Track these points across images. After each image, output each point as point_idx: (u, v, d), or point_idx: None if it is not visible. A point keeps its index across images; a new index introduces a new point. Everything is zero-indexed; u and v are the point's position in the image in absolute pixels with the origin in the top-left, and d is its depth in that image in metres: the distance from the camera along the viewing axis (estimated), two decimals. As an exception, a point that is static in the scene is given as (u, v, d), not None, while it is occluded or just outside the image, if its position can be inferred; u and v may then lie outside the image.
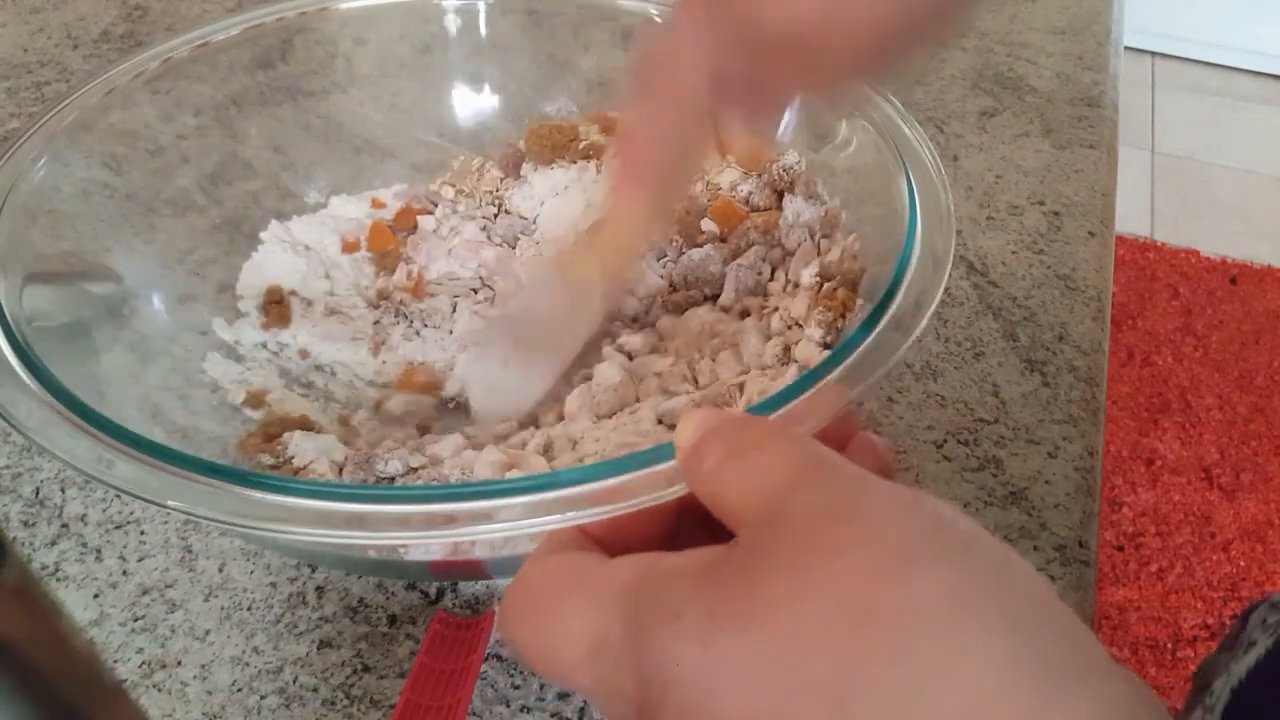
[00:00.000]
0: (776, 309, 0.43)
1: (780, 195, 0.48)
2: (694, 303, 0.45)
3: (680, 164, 0.36)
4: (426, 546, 0.33)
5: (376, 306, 0.48)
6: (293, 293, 0.48)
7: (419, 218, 0.52)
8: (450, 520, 0.27)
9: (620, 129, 0.35)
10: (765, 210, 0.48)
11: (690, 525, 0.26)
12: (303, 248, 0.50)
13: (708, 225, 0.48)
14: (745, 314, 0.44)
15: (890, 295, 0.33)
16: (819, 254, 0.44)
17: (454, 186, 0.54)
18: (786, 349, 0.40)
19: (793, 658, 0.18)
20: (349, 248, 0.50)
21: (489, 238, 0.51)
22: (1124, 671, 0.18)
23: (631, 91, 0.32)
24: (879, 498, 0.20)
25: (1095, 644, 0.19)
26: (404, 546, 0.33)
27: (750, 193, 0.49)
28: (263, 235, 0.49)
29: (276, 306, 0.47)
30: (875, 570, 0.18)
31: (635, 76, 0.32)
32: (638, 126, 0.33)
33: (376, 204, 0.53)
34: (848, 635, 0.18)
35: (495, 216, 0.52)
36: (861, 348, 0.32)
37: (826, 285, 0.42)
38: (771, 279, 0.45)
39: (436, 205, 0.53)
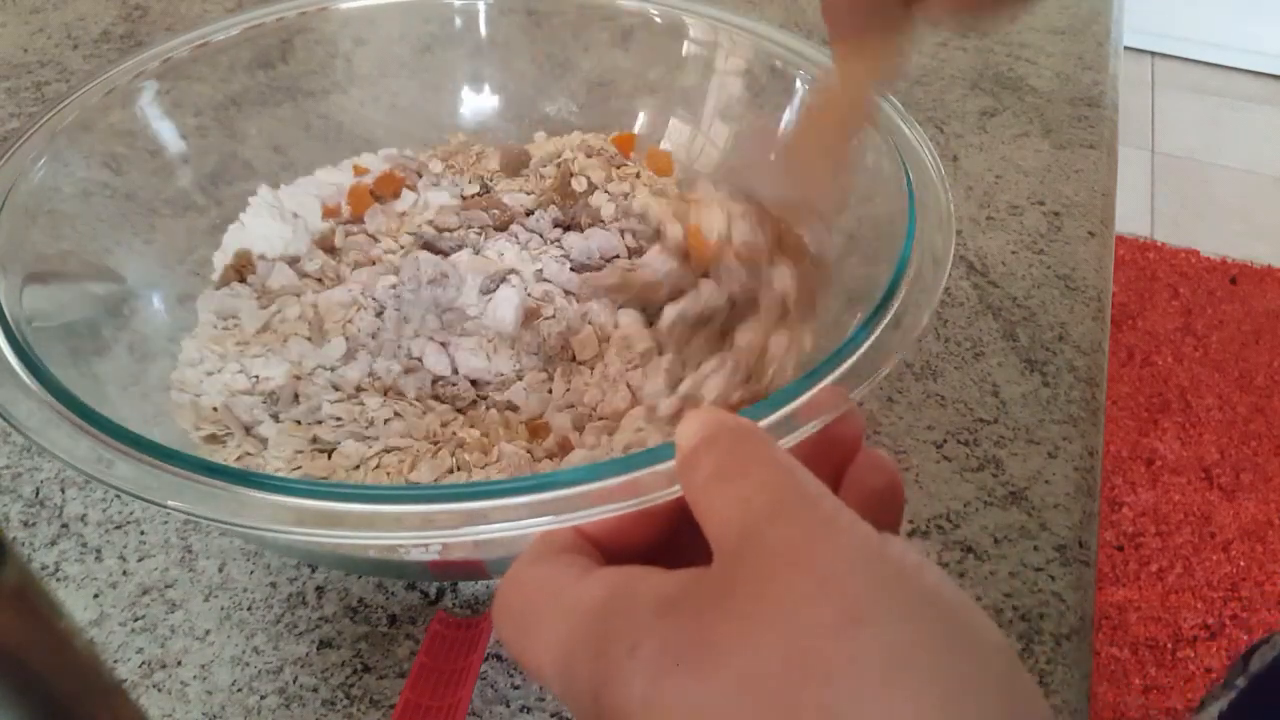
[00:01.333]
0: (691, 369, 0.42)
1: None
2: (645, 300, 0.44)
3: (886, 18, 0.33)
4: (427, 546, 0.33)
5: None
6: (261, 257, 0.48)
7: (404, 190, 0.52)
8: (450, 520, 0.27)
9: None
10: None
11: (689, 525, 0.26)
12: (290, 214, 0.50)
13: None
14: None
15: (890, 295, 0.33)
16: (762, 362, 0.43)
17: (444, 161, 0.53)
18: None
19: (731, 706, 0.18)
20: (329, 213, 0.50)
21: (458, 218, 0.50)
22: None
23: None
24: (842, 545, 0.20)
25: (1044, 710, 0.19)
26: (404, 547, 0.33)
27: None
28: (251, 200, 0.49)
29: (237, 272, 0.47)
30: (821, 626, 0.18)
31: None
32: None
33: (359, 171, 0.53)
34: (786, 688, 0.18)
35: (476, 195, 0.52)
36: (862, 348, 0.32)
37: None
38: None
39: (421, 175, 0.53)
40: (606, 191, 0.51)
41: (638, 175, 0.53)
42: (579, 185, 0.51)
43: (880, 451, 0.27)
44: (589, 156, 0.53)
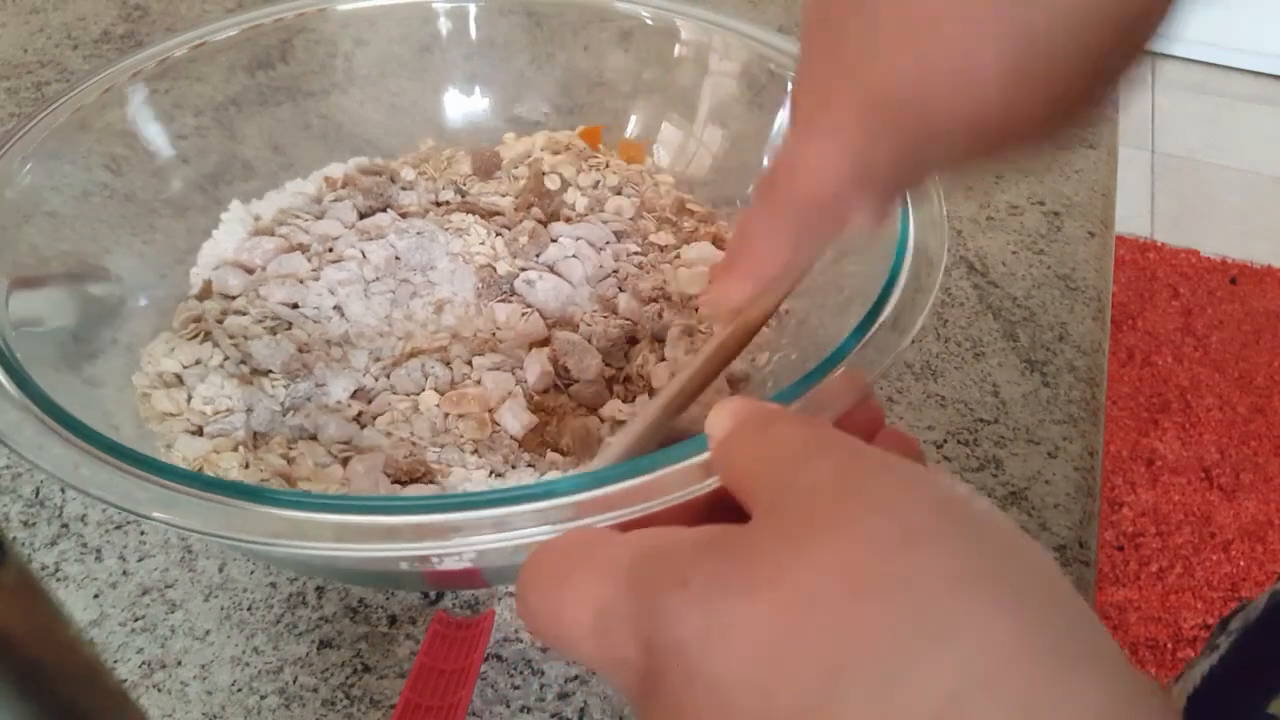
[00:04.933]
0: None
1: None
2: None
3: (790, 269, 0.32)
4: (428, 558, 0.32)
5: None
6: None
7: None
8: (452, 531, 0.27)
9: (738, 228, 0.31)
10: None
11: (719, 522, 0.26)
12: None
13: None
14: None
15: (885, 296, 0.34)
16: None
17: (416, 168, 0.53)
18: None
19: (791, 625, 0.18)
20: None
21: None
22: (1134, 669, 0.18)
23: (756, 194, 0.29)
24: (891, 474, 0.20)
25: (1105, 634, 0.18)
26: (401, 559, 0.33)
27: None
28: (223, 216, 0.49)
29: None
30: (880, 542, 0.18)
31: (763, 181, 0.29)
32: (755, 234, 0.30)
33: (330, 183, 0.52)
34: (847, 604, 0.18)
35: (453, 200, 0.52)
36: (857, 348, 0.32)
37: None
38: None
39: (394, 181, 0.52)
40: (578, 187, 0.52)
41: (606, 165, 0.53)
42: (552, 183, 0.51)
43: (898, 429, 0.27)
44: (555, 154, 0.53)
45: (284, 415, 0.41)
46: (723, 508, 0.24)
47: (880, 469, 0.20)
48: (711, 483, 0.26)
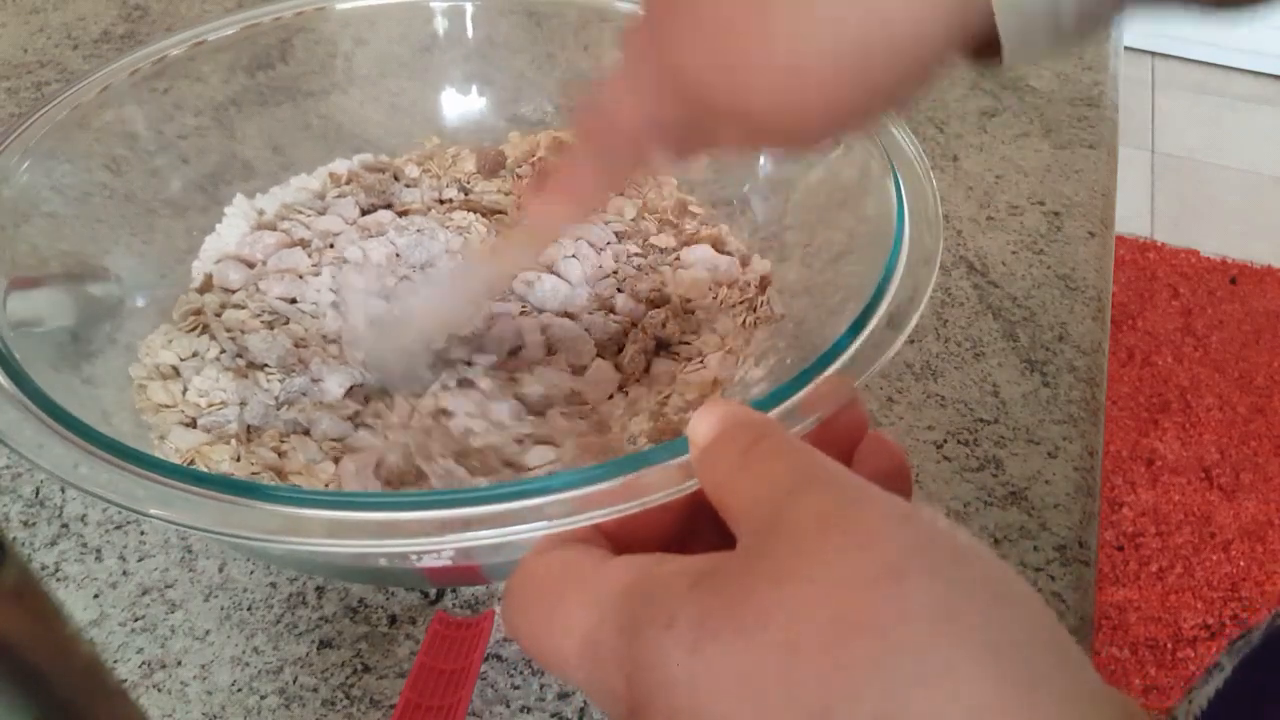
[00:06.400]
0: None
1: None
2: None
3: (601, 187, 0.36)
4: (419, 554, 0.32)
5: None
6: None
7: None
8: (453, 526, 0.27)
9: (551, 164, 0.35)
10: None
11: (703, 522, 0.26)
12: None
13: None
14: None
15: (880, 294, 0.34)
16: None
17: (420, 165, 0.53)
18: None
19: (778, 667, 0.18)
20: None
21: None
22: (1119, 695, 0.18)
23: (577, 120, 0.33)
24: (875, 509, 0.20)
25: (1088, 667, 0.19)
26: (403, 555, 0.33)
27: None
28: (227, 210, 0.49)
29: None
30: (865, 581, 0.18)
31: (576, 119, 0.33)
32: (576, 161, 0.34)
33: (335, 178, 0.52)
34: (833, 645, 0.18)
35: (456, 198, 0.52)
36: (853, 347, 0.32)
37: None
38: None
39: (397, 179, 0.52)
40: None
41: None
42: None
43: (883, 434, 0.27)
44: (560, 153, 0.53)
45: (278, 410, 0.41)
46: (706, 505, 0.24)
47: (864, 504, 0.20)
48: (693, 484, 0.26)
